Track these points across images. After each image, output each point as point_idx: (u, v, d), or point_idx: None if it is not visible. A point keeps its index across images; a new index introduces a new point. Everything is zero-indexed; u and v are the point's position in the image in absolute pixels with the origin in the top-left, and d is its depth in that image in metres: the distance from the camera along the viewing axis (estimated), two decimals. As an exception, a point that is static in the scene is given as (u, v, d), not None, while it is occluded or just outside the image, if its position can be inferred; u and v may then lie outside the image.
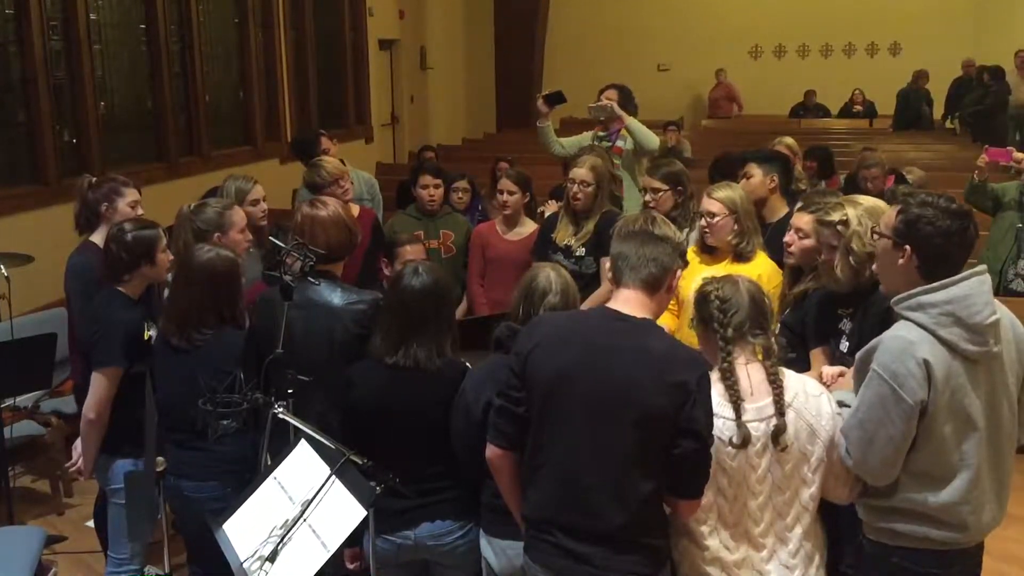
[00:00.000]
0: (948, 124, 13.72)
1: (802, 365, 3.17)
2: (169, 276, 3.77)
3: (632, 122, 5.86)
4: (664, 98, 15.28)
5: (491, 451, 2.63)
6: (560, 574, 2.51)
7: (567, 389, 2.45)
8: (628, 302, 2.53)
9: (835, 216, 3.12)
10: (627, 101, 6.02)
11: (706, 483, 2.49)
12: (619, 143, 5.91)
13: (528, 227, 5.13)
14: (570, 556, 2.48)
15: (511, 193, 5.06)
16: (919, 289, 2.50)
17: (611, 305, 2.56)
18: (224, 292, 3.35)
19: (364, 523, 2.46)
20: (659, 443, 2.41)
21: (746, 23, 16.07)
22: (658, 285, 2.55)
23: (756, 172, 4.47)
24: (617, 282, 2.58)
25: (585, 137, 6.19)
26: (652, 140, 5.80)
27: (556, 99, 6.20)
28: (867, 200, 3.20)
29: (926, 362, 2.44)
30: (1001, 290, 5.71)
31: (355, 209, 5.05)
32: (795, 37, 16.28)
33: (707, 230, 3.90)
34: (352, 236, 3.51)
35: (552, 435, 2.49)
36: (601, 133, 6.05)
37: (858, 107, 14.70)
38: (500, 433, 2.59)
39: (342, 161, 5.29)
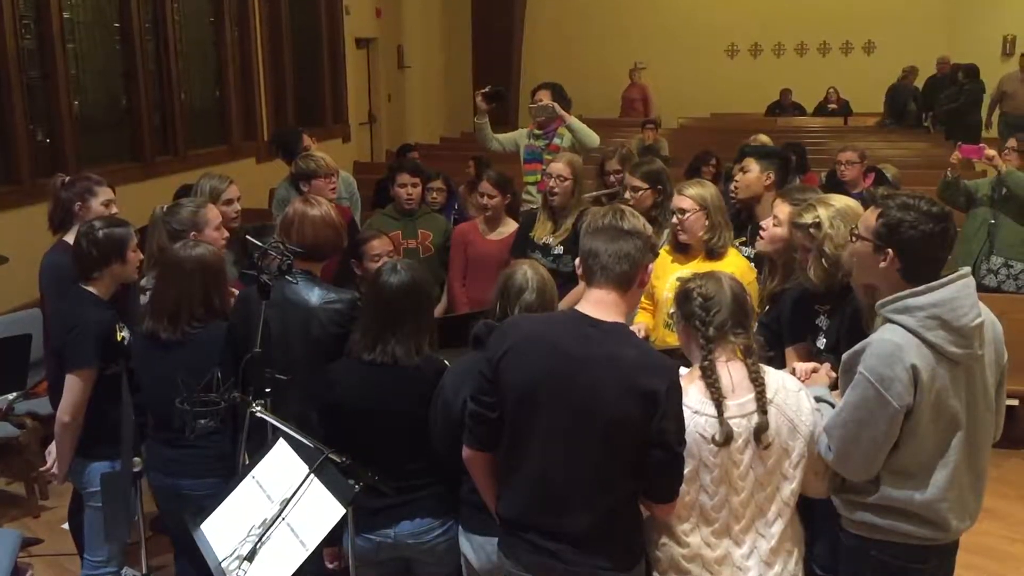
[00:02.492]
0: (923, 123, 13.84)
1: (781, 363, 3.19)
2: (144, 280, 3.76)
3: (573, 121, 6.08)
4: (641, 96, 15.34)
5: (466, 451, 2.65)
6: (532, 570, 2.53)
7: (538, 396, 2.46)
8: (600, 304, 2.51)
9: (807, 218, 3.14)
10: (561, 98, 6.21)
11: (679, 487, 2.50)
12: (556, 141, 6.13)
13: (509, 227, 5.15)
14: (542, 553, 2.50)
15: (491, 196, 5.09)
16: (905, 292, 2.51)
17: (582, 308, 2.54)
18: (214, 283, 3.36)
19: (343, 521, 2.45)
20: (629, 450, 2.43)
21: (722, 22, 16.15)
22: (630, 282, 2.54)
23: (753, 167, 4.47)
24: (588, 281, 2.56)
25: (521, 134, 6.41)
26: (593, 138, 6.01)
27: (496, 97, 6.43)
28: (839, 201, 3.21)
29: (913, 367, 2.46)
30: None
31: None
32: (771, 36, 16.38)
33: (679, 227, 3.92)
34: (339, 238, 3.51)
35: (525, 440, 2.50)
36: (537, 131, 6.20)
37: (833, 105, 14.79)
38: (473, 436, 2.61)
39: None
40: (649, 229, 2.59)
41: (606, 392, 2.40)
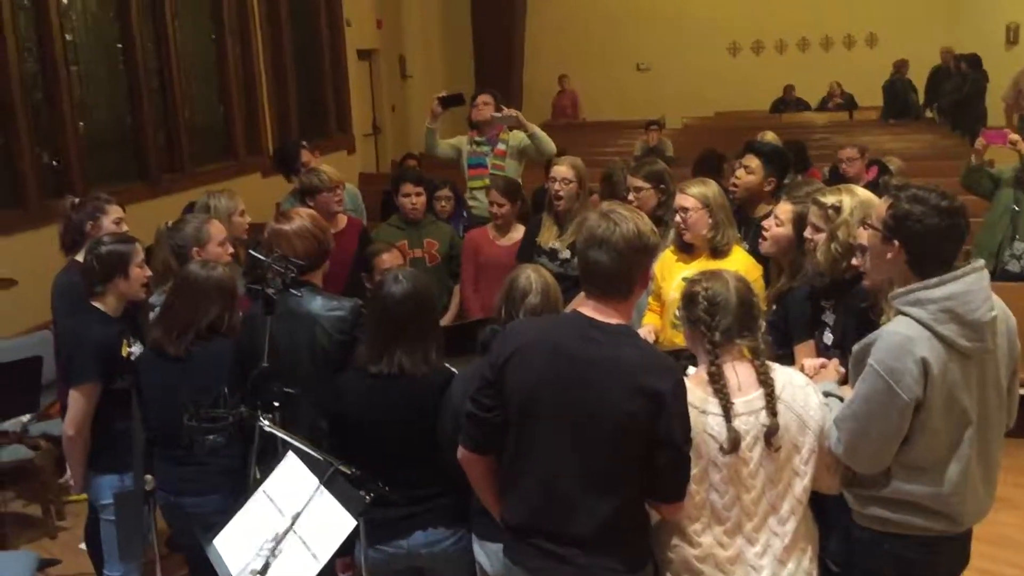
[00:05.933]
0: (928, 113, 13.78)
1: (789, 362, 3.18)
2: (153, 297, 3.78)
3: (535, 129, 6.21)
4: (644, 97, 15.38)
5: (461, 452, 2.64)
6: (539, 574, 2.52)
7: (543, 399, 2.45)
8: (600, 309, 2.50)
9: (830, 199, 3.14)
10: (499, 103, 6.40)
11: (686, 486, 2.49)
12: (500, 146, 6.25)
13: (519, 232, 5.17)
14: (550, 557, 2.49)
15: (500, 205, 5.12)
16: (918, 284, 2.51)
17: (584, 309, 2.53)
18: (230, 306, 3.42)
19: (355, 532, 2.45)
20: (635, 452, 2.42)
21: (723, 21, 16.13)
22: (629, 292, 2.52)
23: (757, 168, 4.44)
24: (586, 291, 2.55)
25: (462, 140, 6.48)
26: (551, 146, 6.17)
27: (454, 101, 6.50)
28: (864, 193, 3.20)
29: (923, 360, 2.45)
30: (997, 272, 5.73)
31: (343, 219, 5.09)
32: (772, 33, 16.35)
33: (682, 226, 3.92)
34: (321, 244, 3.51)
35: (530, 444, 2.50)
36: (478, 138, 6.27)
37: (837, 100, 14.75)
38: (468, 437, 2.60)
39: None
40: (648, 226, 2.55)
41: (612, 394, 2.39)
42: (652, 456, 2.41)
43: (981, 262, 2.59)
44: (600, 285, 2.50)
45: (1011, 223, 6.04)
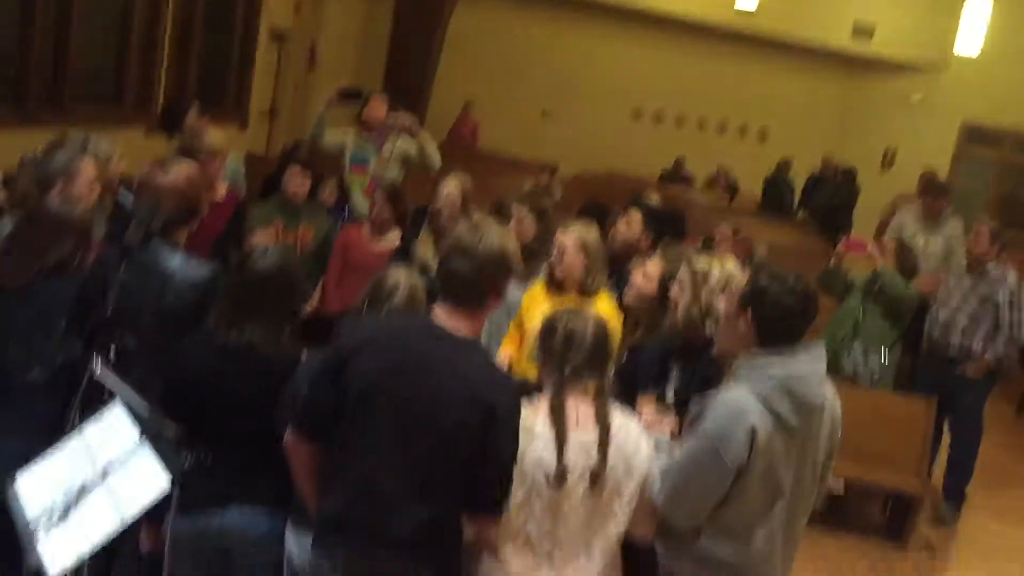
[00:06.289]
0: (800, 214, 14.48)
1: (630, 412, 3.28)
2: (4, 223, 3.60)
3: (426, 140, 6.25)
4: (542, 142, 15.62)
5: (288, 435, 2.60)
6: (349, 571, 2.51)
7: (380, 394, 2.46)
8: (452, 316, 2.54)
9: (701, 264, 3.27)
10: (392, 108, 6.43)
11: (505, 503, 2.53)
12: (386, 150, 6.24)
13: (394, 237, 5.15)
14: (359, 555, 2.49)
15: (381, 208, 5.11)
16: (762, 355, 2.64)
17: (437, 317, 2.56)
18: (83, 245, 3.24)
19: (168, 501, 2.37)
20: (461, 460, 2.45)
21: (630, 86, 16.57)
22: (480, 303, 2.57)
23: (637, 223, 4.59)
24: (441, 295, 2.59)
25: (349, 134, 6.41)
26: (437, 160, 6.23)
27: (351, 95, 6.52)
28: (733, 266, 3.35)
29: (752, 428, 2.58)
30: (830, 372, 6.02)
31: (221, 189, 4.95)
32: (674, 107, 16.88)
33: (557, 262, 4.00)
34: (191, 204, 3.38)
35: (358, 438, 2.49)
36: (365, 136, 6.31)
37: (721, 183, 15.31)
38: (299, 419, 2.57)
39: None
40: (513, 246, 2.61)
41: (448, 399, 2.43)
42: (476, 467, 2.45)
43: (822, 345, 2.76)
44: (455, 293, 2.54)
45: (853, 328, 6.40)
